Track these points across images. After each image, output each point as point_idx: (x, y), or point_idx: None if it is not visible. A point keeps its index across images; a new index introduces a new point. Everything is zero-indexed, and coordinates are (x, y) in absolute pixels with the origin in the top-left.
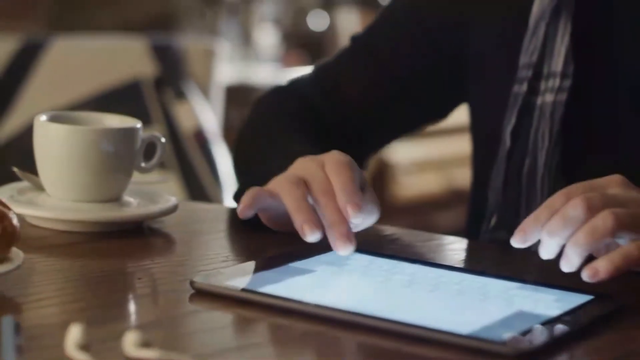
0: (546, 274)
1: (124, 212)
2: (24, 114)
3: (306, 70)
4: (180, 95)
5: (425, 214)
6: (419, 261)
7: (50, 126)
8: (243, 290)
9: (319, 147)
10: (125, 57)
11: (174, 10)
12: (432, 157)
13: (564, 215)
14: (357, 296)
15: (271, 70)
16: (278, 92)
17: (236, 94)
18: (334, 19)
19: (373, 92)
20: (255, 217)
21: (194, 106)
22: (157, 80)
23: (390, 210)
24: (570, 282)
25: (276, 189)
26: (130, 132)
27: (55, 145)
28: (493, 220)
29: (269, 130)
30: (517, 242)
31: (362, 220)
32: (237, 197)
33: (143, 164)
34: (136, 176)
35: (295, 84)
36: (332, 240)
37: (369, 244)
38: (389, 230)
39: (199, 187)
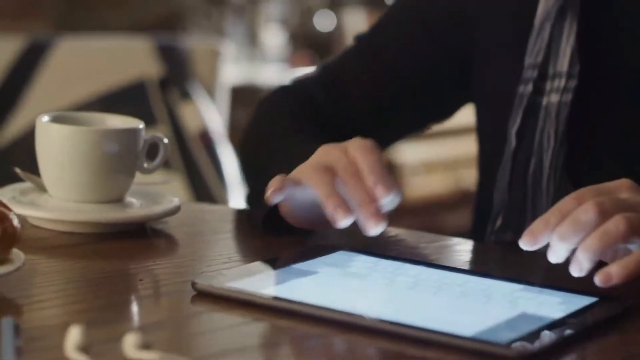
0: (551, 276)
1: (126, 213)
2: (28, 114)
3: (311, 69)
4: (186, 95)
5: (433, 214)
6: (423, 263)
7: (52, 127)
8: (245, 291)
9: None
10: (130, 57)
11: (180, 10)
12: (440, 157)
13: (576, 220)
14: (360, 298)
15: (277, 70)
16: (282, 92)
17: (242, 95)
18: (341, 19)
19: (377, 92)
20: (270, 219)
21: (199, 107)
22: (163, 81)
23: (398, 211)
24: (575, 284)
25: (303, 176)
26: (132, 132)
27: (57, 145)
28: (498, 222)
29: (278, 129)
30: (526, 244)
31: (391, 200)
32: (250, 199)
33: (146, 165)
34: (139, 177)
35: (299, 83)
36: (362, 220)
37: (373, 245)
38: (393, 231)
39: (204, 188)
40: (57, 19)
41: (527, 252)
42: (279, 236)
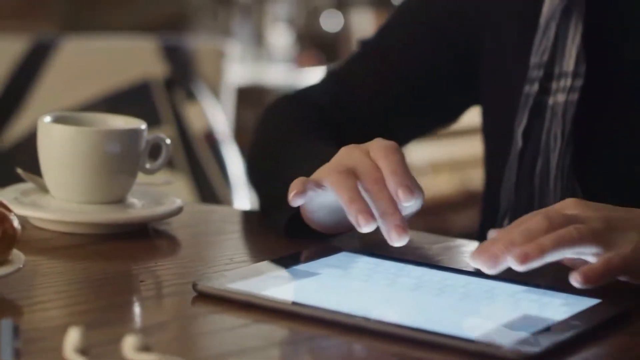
0: (554, 278)
1: (128, 213)
2: (33, 114)
3: (319, 70)
4: (191, 96)
5: (440, 215)
6: (426, 264)
7: (54, 127)
8: (246, 293)
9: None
10: (135, 57)
11: (187, 10)
12: (447, 158)
13: (527, 227)
14: (362, 300)
15: (284, 70)
16: (287, 100)
17: (249, 95)
18: (348, 19)
19: (384, 96)
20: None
21: (204, 107)
22: (168, 81)
23: None
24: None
25: (325, 179)
26: (134, 133)
27: (59, 146)
28: (505, 222)
29: (288, 134)
30: (487, 267)
31: (414, 203)
32: (266, 204)
33: (148, 165)
34: (142, 178)
35: (304, 92)
36: (386, 230)
37: (376, 246)
38: None
39: (209, 189)
40: (63, 19)
41: None
42: (300, 238)
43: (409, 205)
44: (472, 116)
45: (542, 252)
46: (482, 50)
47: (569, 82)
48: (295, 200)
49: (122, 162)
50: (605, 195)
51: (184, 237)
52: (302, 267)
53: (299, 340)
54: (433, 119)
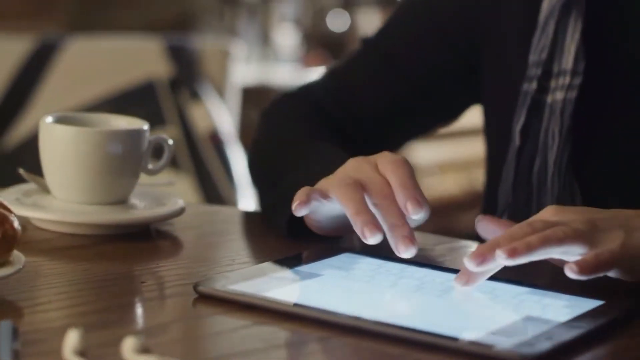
0: (557, 279)
1: (130, 214)
2: (38, 115)
3: (323, 71)
4: (196, 96)
5: (447, 215)
6: (428, 265)
7: (55, 127)
8: (247, 294)
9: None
10: (140, 57)
11: (193, 10)
12: (455, 158)
13: (511, 233)
14: (364, 301)
15: (291, 70)
16: (288, 99)
17: (255, 95)
18: (355, 19)
19: (386, 95)
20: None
21: (209, 107)
22: (172, 81)
23: None
24: (581, 288)
25: (331, 190)
26: (136, 133)
27: (61, 146)
28: None
29: (290, 136)
30: (474, 264)
31: (422, 216)
32: (266, 207)
33: (150, 166)
34: (144, 178)
35: (305, 89)
36: (394, 242)
37: (380, 247)
38: None
39: (213, 189)
40: (71, 18)
41: None
42: (302, 239)
43: (417, 218)
44: (479, 116)
45: (529, 248)
46: (483, 49)
47: (567, 80)
48: (299, 210)
49: (124, 163)
50: (604, 193)
51: (186, 238)
52: (304, 268)
53: (300, 342)
54: (434, 118)
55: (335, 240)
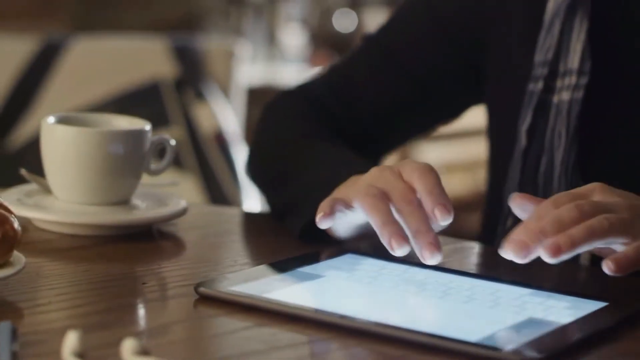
0: (561, 281)
1: (132, 215)
2: (43, 115)
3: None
4: (201, 96)
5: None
6: (431, 266)
7: (57, 128)
8: (248, 295)
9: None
10: (145, 58)
11: (199, 10)
12: (461, 158)
13: (559, 216)
14: (365, 302)
15: (298, 70)
16: (288, 97)
17: (262, 95)
18: (362, 19)
19: (387, 92)
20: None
21: (214, 108)
22: (177, 82)
23: None
24: (584, 289)
25: (356, 200)
26: (138, 134)
27: (62, 147)
28: (509, 222)
29: (293, 137)
30: (516, 255)
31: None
32: (278, 211)
33: (153, 166)
34: (147, 179)
35: (304, 87)
36: (419, 249)
37: (383, 249)
38: None
39: (218, 190)
40: (75, 18)
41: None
42: (316, 244)
43: (444, 224)
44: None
45: (574, 244)
46: (487, 48)
47: (573, 79)
48: (323, 222)
49: (126, 163)
50: None
51: (189, 238)
52: (306, 269)
53: (301, 343)
54: (434, 116)
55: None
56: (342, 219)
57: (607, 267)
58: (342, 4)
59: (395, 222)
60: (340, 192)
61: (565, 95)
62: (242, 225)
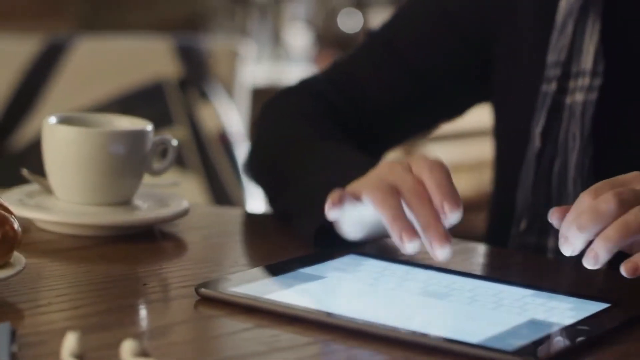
0: (565, 282)
1: (133, 215)
2: (47, 115)
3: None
4: (205, 96)
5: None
6: (433, 267)
7: (58, 128)
8: (249, 297)
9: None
10: (149, 58)
11: (204, 10)
12: (467, 159)
13: (596, 209)
14: (366, 304)
15: (303, 70)
16: (290, 94)
17: (267, 95)
18: (367, 19)
19: (391, 87)
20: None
21: (218, 108)
22: (181, 82)
23: None
24: (587, 290)
25: (365, 194)
26: (139, 134)
27: (63, 147)
28: (523, 224)
29: (297, 136)
30: (567, 251)
31: (455, 218)
32: (286, 213)
33: (155, 167)
34: (149, 179)
35: (307, 82)
36: (429, 242)
37: (386, 248)
38: None
39: (222, 190)
40: (80, 18)
41: (541, 256)
42: (330, 247)
43: (454, 220)
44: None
45: (609, 249)
46: (496, 47)
47: (587, 81)
48: (332, 212)
49: (127, 164)
50: None
51: (190, 239)
52: (307, 270)
53: (302, 345)
54: (438, 114)
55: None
56: (352, 214)
57: (626, 271)
58: (347, 4)
59: (405, 217)
60: (349, 186)
61: (579, 97)
62: (244, 226)
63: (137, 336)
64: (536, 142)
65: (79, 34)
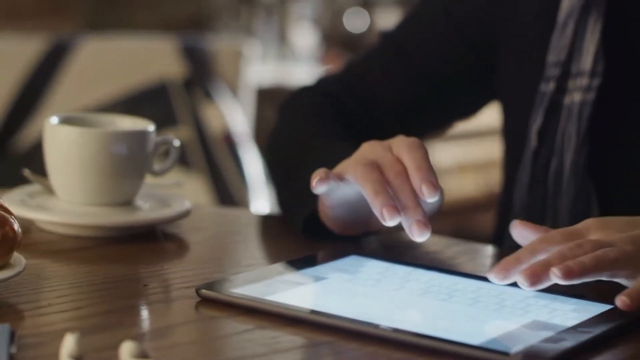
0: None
1: (135, 216)
2: (51, 115)
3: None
4: (209, 96)
5: (466, 216)
6: (436, 268)
7: (59, 128)
8: (250, 298)
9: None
10: (154, 58)
11: (210, 10)
12: (473, 159)
13: (562, 253)
14: (368, 305)
15: (309, 70)
16: (306, 93)
17: (273, 95)
18: (374, 18)
19: (404, 91)
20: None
21: (222, 108)
22: (186, 82)
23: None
24: (589, 292)
25: (349, 172)
26: (141, 134)
27: (65, 147)
28: None
29: (308, 133)
30: (496, 278)
31: (437, 200)
32: (283, 205)
33: (157, 167)
34: (151, 179)
35: (322, 83)
36: (408, 226)
37: (389, 249)
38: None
39: (226, 190)
40: (85, 18)
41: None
42: (310, 241)
43: (432, 201)
44: (497, 116)
45: (583, 270)
46: (501, 47)
47: (585, 81)
48: (318, 187)
49: (129, 164)
50: (620, 195)
51: (192, 240)
52: (309, 271)
53: (303, 346)
54: (449, 115)
55: (345, 243)
56: (336, 195)
57: (621, 303)
58: (353, 4)
59: (386, 193)
60: (336, 168)
61: (577, 97)
62: (246, 226)
63: (138, 337)
64: (533, 140)
65: (83, 34)
